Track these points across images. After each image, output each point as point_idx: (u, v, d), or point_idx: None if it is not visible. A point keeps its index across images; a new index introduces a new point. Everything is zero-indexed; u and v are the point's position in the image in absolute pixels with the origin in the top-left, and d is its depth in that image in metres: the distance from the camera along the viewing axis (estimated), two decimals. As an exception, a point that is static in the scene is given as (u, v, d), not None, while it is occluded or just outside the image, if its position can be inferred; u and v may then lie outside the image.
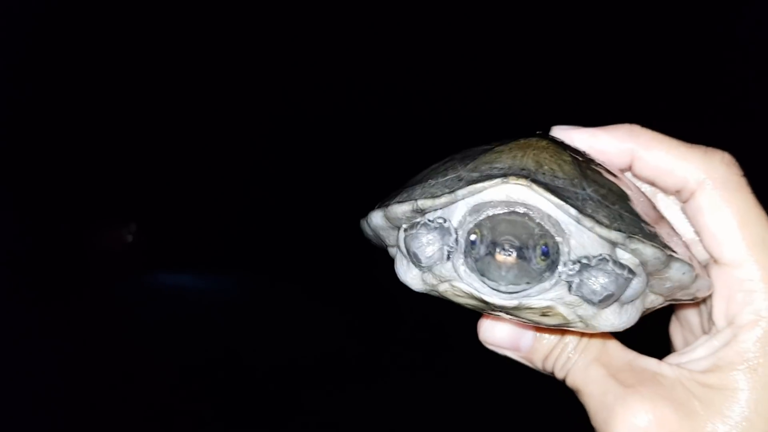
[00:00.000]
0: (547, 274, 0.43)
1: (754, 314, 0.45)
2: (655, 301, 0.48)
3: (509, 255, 0.41)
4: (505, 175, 0.44)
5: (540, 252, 0.42)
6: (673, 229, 0.49)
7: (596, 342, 0.50)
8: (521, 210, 0.44)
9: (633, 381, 0.46)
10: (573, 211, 0.43)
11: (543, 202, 0.44)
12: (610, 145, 0.49)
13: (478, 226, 0.43)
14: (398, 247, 0.49)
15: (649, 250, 0.43)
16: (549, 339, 0.50)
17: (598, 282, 0.43)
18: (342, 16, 2.37)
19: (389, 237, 0.52)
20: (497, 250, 0.41)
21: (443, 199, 0.45)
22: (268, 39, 2.42)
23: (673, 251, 0.45)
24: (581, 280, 0.44)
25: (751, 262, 0.46)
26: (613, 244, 0.44)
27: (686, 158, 0.48)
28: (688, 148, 0.48)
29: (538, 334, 0.51)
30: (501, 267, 0.41)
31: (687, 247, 0.49)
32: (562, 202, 0.43)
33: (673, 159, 0.48)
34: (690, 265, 0.45)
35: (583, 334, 0.50)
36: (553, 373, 0.51)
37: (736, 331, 0.46)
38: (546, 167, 0.45)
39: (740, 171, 0.48)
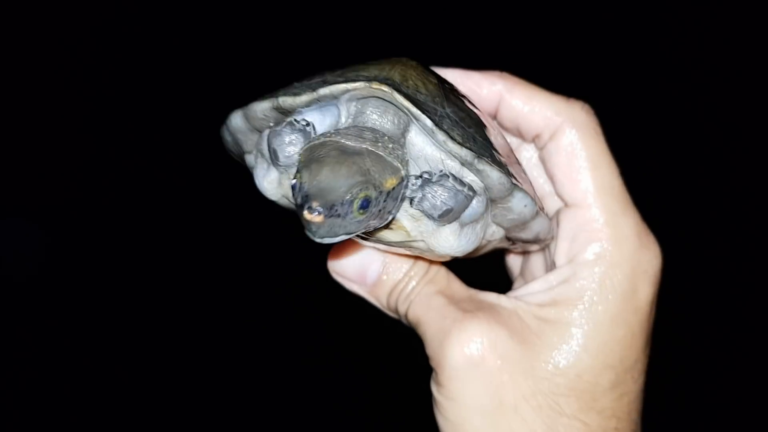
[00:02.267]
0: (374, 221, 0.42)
1: (595, 254, 0.47)
2: (496, 233, 0.49)
3: (316, 215, 0.40)
4: (368, 80, 0.44)
5: (358, 206, 0.41)
6: (525, 173, 0.50)
7: (441, 277, 0.50)
8: (358, 142, 0.43)
9: (472, 308, 0.47)
10: (429, 122, 0.43)
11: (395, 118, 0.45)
12: (481, 83, 0.51)
13: (301, 168, 0.41)
14: (260, 150, 0.48)
15: (495, 174, 0.44)
16: (394, 273, 0.51)
17: (438, 196, 0.44)
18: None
19: (247, 142, 0.50)
20: (305, 206, 0.40)
21: (304, 98, 0.45)
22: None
23: (519, 182, 0.46)
24: (423, 195, 0.44)
25: (597, 205, 0.48)
26: (462, 164, 0.45)
27: (547, 102, 0.50)
28: (550, 94, 0.50)
29: (384, 267, 0.51)
30: (310, 223, 0.40)
31: (534, 190, 0.50)
32: (420, 113, 0.43)
33: (535, 101, 0.50)
34: (532, 199, 0.46)
35: (429, 263, 0.51)
36: (397, 311, 0.51)
37: (575, 269, 0.47)
38: (410, 82, 0.45)
39: (598, 120, 0.50)
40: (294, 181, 0.41)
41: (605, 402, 0.46)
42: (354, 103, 0.46)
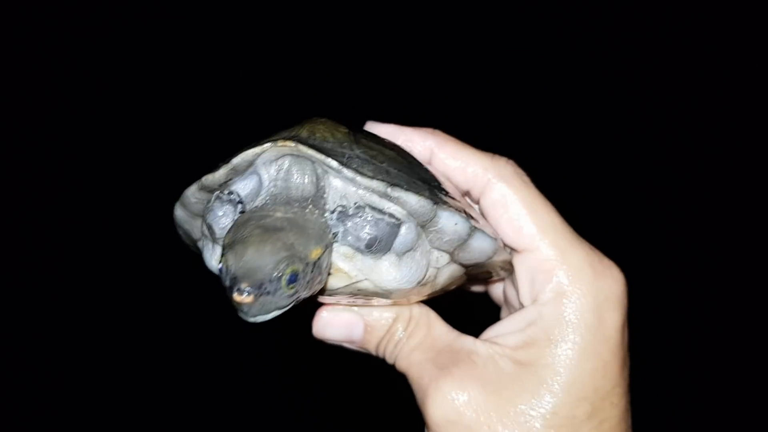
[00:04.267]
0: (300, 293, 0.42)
1: (554, 291, 0.48)
2: (441, 259, 0.49)
3: (246, 296, 0.40)
4: (275, 141, 0.45)
5: (287, 281, 0.41)
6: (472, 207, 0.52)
7: (422, 327, 0.52)
8: (281, 214, 0.43)
9: (448, 362, 0.49)
10: (334, 163, 0.44)
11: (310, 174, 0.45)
12: (413, 139, 0.53)
13: (226, 251, 0.41)
14: (203, 232, 0.49)
15: (412, 198, 0.44)
16: (379, 329, 0.52)
17: (359, 227, 0.44)
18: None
19: (194, 230, 0.52)
20: (234, 288, 0.40)
21: (221, 171, 0.46)
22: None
23: (444, 201, 0.46)
24: (345, 228, 0.45)
25: (545, 245, 0.49)
26: (380, 196, 0.45)
27: (474, 158, 0.51)
28: (477, 151, 0.52)
29: (368, 325, 0.52)
30: (241, 304, 0.40)
31: (476, 214, 0.50)
32: (324, 156, 0.44)
33: (463, 158, 0.52)
34: (462, 215, 0.46)
35: (409, 311, 0.51)
36: (387, 362, 0.53)
37: (539, 309, 0.49)
38: (318, 135, 0.46)
39: (524, 172, 0.52)
40: (221, 265, 0.41)
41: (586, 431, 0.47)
42: (273, 166, 0.46)
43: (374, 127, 0.53)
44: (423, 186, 0.46)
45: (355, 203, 0.45)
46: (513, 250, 0.51)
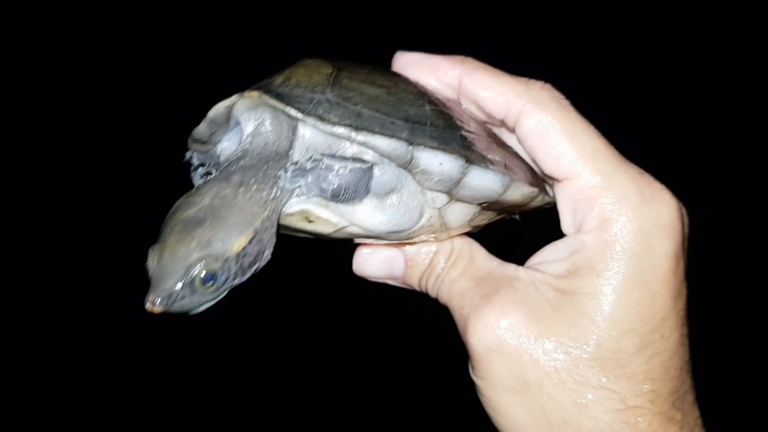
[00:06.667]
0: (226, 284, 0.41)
1: (597, 219, 0.46)
2: (437, 199, 0.47)
3: (156, 306, 0.39)
4: (241, 92, 0.45)
5: (201, 282, 0.40)
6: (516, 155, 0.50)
7: (464, 258, 0.51)
8: (209, 200, 0.42)
9: (489, 290, 0.48)
10: (293, 112, 0.43)
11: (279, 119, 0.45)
12: (441, 65, 0.50)
13: (149, 251, 0.41)
14: None
15: (380, 141, 0.43)
16: (420, 263, 0.52)
17: (320, 179, 0.44)
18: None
19: None
20: (145, 299, 0.39)
21: (202, 125, 0.47)
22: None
23: (424, 142, 0.44)
24: (307, 183, 0.44)
25: (587, 171, 0.46)
26: (348, 141, 0.44)
27: (507, 85, 0.49)
28: (510, 77, 0.49)
29: (409, 260, 0.52)
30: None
31: (524, 165, 0.49)
32: (284, 105, 0.43)
33: (494, 86, 0.49)
34: (452, 154, 0.44)
35: (451, 242, 0.51)
36: (430, 295, 0.53)
37: (582, 238, 0.47)
38: (293, 80, 0.45)
39: (562, 95, 0.49)
40: (146, 264, 0.41)
41: (635, 366, 0.45)
42: (253, 119, 0.46)
43: (402, 57, 0.51)
44: (402, 126, 0.44)
45: (310, 157, 0.44)
46: (554, 179, 0.48)
